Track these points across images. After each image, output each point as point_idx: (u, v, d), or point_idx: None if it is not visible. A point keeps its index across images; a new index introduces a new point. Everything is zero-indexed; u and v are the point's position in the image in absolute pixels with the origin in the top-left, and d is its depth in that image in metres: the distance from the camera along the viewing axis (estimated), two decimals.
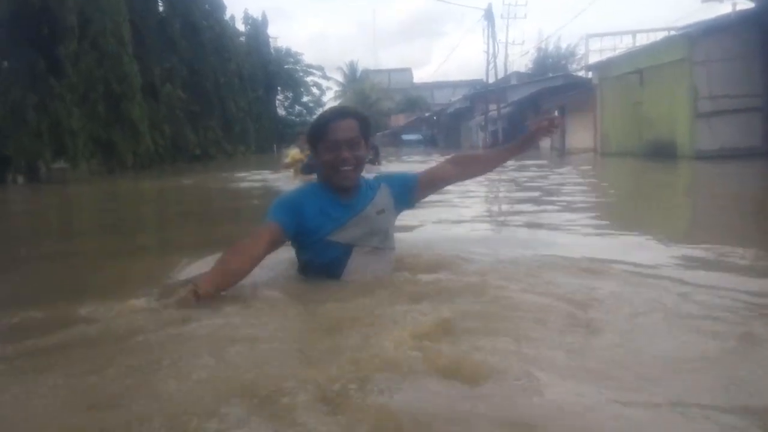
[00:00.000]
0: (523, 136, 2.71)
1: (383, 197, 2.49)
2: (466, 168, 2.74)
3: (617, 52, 27.16)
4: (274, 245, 2.31)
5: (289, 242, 2.44)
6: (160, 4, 28.93)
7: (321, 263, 2.40)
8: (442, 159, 2.97)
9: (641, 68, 15.72)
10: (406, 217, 3.14)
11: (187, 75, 29.55)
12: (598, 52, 43.12)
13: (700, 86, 13.29)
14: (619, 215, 5.65)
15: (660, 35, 30.41)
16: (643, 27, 39.73)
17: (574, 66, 49.62)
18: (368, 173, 2.69)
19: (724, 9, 13.13)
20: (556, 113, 3.25)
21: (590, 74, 24.19)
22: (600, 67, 19.67)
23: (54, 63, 17.08)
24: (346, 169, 2.32)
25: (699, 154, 13.24)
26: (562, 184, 8.81)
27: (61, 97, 16.97)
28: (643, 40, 35.98)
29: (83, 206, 10.55)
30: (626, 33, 47.21)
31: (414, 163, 18.30)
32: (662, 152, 14.60)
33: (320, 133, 2.35)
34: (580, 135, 24.63)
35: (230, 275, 2.19)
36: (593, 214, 5.43)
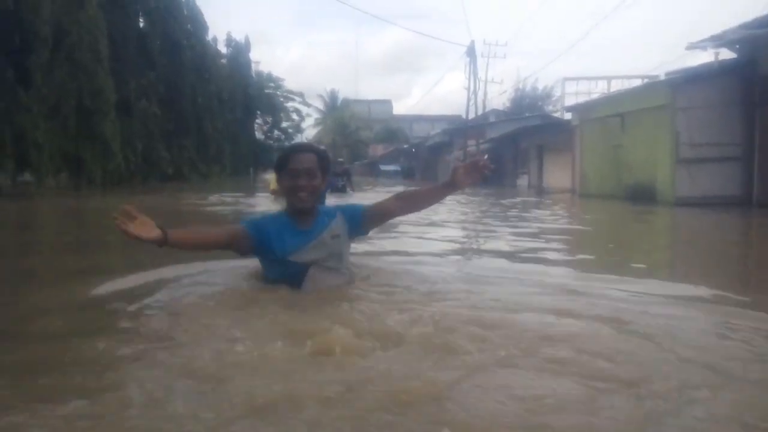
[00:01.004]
0: (450, 177, 2.87)
1: (338, 224, 2.89)
2: (408, 203, 3.05)
3: (592, 96, 27.58)
4: (231, 243, 2.74)
5: (256, 259, 2.95)
6: (140, 20, 28.51)
7: (282, 279, 2.82)
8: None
9: (623, 112, 15.75)
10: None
11: (164, 92, 29.00)
12: (574, 95, 44.07)
13: (682, 133, 13.29)
14: (596, 254, 5.52)
15: (634, 82, 31.04)
16: (618, 74, 40.71)
17: (550, 107, 50.69)
18: (340, 197, 3.99)
19: (707, 57, 13.20)
20: (486, 156, 3.09)
21: (569, 115, 24.37)
22: (580, 109, 19.75)
23: (23, 73, 16.46)
24: (302, 194, 2.74)
25: (679, 200, 13.17)
26: (541, 231, 8.50)
27: (28, 108, 16.31)
28: (617, 85, 36.71)
29: (28, 223, 9.89)
30: (602, 78, 48.44)
31: (390, 193, 17.94)
32: (642, 196, 14.53)
33: (283, 163, 2.80)
34: (558, 174, 24.69)
35: (185, 240, 2.61)
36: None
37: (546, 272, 3.94)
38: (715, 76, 13.00)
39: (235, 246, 2.75)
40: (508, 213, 10.76)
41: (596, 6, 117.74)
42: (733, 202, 12.80)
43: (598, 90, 41.70)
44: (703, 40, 12.15)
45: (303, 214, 2.81)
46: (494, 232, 7.50)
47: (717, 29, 12.37)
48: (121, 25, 24.19)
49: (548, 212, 11.60)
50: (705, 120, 13.14)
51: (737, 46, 12.68)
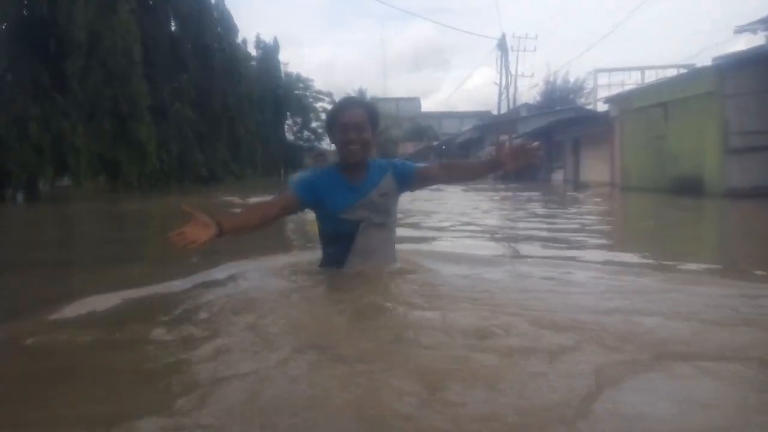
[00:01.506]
0: (495, 155, 2.87)
1: (388, 182, 2.96)
2: (451, 173, 3.14)
3: (626, 87, 26.83)
4: (287, 211, 2.95)
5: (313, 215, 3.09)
6: (172, 24, 28.80)
7: (335, 234, 2.96)
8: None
9: (665, 101, 15.16)
10: None
11: (196, 95, 29.25)
12: (607, 86, 43.18)
13: (731, 121, 12.69)
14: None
15: (669, 72, 30.16)
16: (652, 64, 39.54)
17: (582, 100, 49.63)
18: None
19: (757, 41, 12.56)
20: (536, 143, 2.90)
21: (607, 107, 23.70)
22: (619, 100, 19.14)
23: (59, 78, 16.69)
24: (353, 147, 2.82)
25: (729, 191, 12.56)
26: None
27: (66, 113, 16.52)
28: (652, 76, 35.83)
29: (72, 229, 9.90)
30: (635, 69, 47.23)
31: (425, 193, 17.73)
32: (688, 188, 13.93)
33: (333, 119, 2.91)
34: (596, 168, 24.04)
35: (244, 224, 2.79)
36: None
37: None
38: (764, 61, 12.35)
39: (291, 211, 2.98)
40: (553, 210, 10.38)
41: None
42: None
43: (631, 81, 40.73)
44: (753, 23, 11.57)
45: (354, 168, 2.91)
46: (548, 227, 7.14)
47: (752, 16, 11.77)
48: (153, 29, 24.43)
49: (594, 208, 11.18)
50: (755, 107, 12.51)
51: None
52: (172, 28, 28.66)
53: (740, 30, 11.58)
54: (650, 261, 4.24)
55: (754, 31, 11.92)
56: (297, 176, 3.32)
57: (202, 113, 29.74)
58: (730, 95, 12.68)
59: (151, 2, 24.17)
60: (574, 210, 10.26)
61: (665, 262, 4.17)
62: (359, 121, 2.83)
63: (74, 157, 16.82)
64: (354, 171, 2.91)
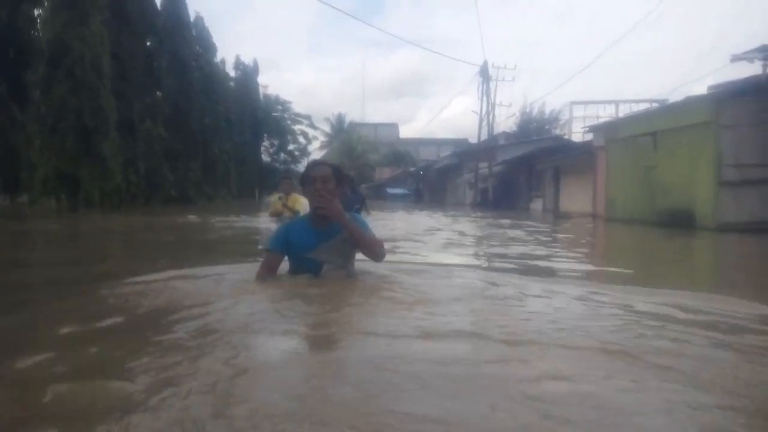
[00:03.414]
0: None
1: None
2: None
3: (600, 120, 26.68)
4: (276, 268, 3.53)
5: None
6: (148, 40, 27.89)
7: (302, 272, 3.47)
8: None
9: (655, 131, 14.72)
10: None
11: (170, 113, 28.28)
12: (582, 118, 43.75)
13: (725, 152, 12.23)
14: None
15: (642, 106, 30.32)
16: (625, 98, 40.56)
17: (558, 131, 50.11)
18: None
19: (745, 71, 12.17)
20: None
21: (589, 136, 23.39)
22: (605, 128, 18.73)
23: (18, 88, 15.62)
24: (320, 197, 3.38)
25: (723, 226, 12.05)
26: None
27: (22, 126, 15.43)
28: (625, 109, 36.33)
29: None
30: (609, 102, 48.09)
31: (400, 215, 17.03)
32: (678, 222, 13.41)
33: (306, 177, 3.53)
34: (576, 198, 23.61)
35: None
36: None
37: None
38: (762, 91, 11.96)
39: (278, 265, 3.52)
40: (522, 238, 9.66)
41: (604, 31, 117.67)
42: None
43: (606, 114, 41.26)
44: (749, 51, 11.17)
45: (322, 218, 3.41)
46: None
47: (725, 55, 11.37)
48: (127, 43, 23.52)
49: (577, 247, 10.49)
50: (752, 138, 12.09)
51: None
52: (148, 44, 27.75)
53: (737, 59, 11.16)
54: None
55: (750, 60, 11.51)
56: (271, 236, 3.62)
57: (176, 131, 28.73)
58: (725, 126, 12.24)
59: (125, 15, 23.25)
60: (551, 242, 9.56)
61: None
62: (325, 175, 3.43)
63: (28, 172, 15.66)
64: (322, 220, 3.43)
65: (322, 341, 2.34)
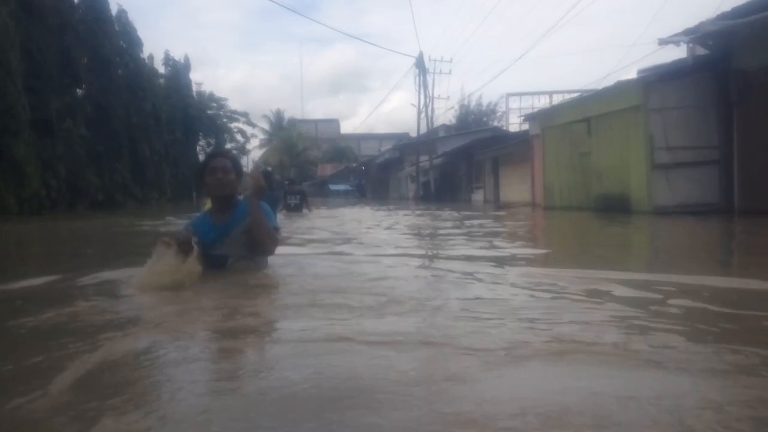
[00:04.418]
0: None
1: (248, 222, 3.54)
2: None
3: (534, 110, 26.96)
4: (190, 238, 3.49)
5: None
6: (65, 34, 26.13)
7: (211, 265, 3.47)
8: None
9: (589, 116, 14.76)
10: None
11: (92, 112, 26.63)
12: (518, 110, 44.56)
13: (656, 136, 12.30)
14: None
15: (575, 96, 30.97)
16: (558, 88, 41.71)
17: (495, 122, 50.95)
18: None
19: (676, 54, 12.27)
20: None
21: (525, 125, 23.51)
22: (541, 116, 18.77)
23: None
24: (218, 184, 3.55)
25: (657, 209, 12.13)
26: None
27: None
28: (559, 99, 37.07)
29: None
30: (543, 93, 49.20)
31: (345, 212, 16.57)
32: (614, 207, 13.48)
33: (204, 167, 3.66)
34: (516, 188, 23.72)
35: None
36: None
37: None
38: (689, 74, 12.06)
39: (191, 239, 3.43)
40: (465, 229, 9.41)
41: (538, 22, 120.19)
42: (714, 209, 11.85)
43: (540, 104, 42.21)
44: (676, 34, 11.20)
45: (222, 207, 3.59)
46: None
47: (652, 42, 11.42)
48: (39, 38, 21.88)
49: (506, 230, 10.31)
50: (680, 121, 12.20)
51: (710, 42, 11.81)
52: (64, 38, 26.00)
53: (664, 42, 11.18)
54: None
55: (677, 44, 11.58)
56: (185, 224, 3.67)
57: (99, 132, 27.09)
58: (655, 109, 12.31)
59: (35, 9, 21.64)
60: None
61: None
62: (225, 166, 3.57)
63: None
64: (221, 211, 3.59)
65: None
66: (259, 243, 3.50)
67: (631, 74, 14.02)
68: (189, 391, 1.57)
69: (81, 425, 1.32)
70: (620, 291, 3.12)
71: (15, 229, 12.47)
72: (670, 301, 2.79)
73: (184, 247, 3.06)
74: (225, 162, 3.59)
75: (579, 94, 24.71)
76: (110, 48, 30.31)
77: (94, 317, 2.58)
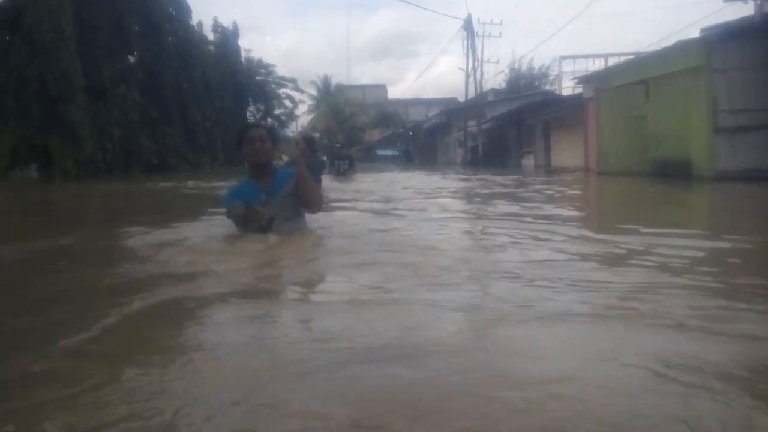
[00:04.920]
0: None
1: (293, 185, 3.78)
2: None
3: (588, 73, 25.77)
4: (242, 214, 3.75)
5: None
6: (116, 1, 26.51)
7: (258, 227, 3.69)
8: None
9: (646, 78, 14.00)
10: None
11: (144, 78, 27.10)
12: (571, 73, 42.73)
13: (720, 98, 11.56)
14: None
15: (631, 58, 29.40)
16: (614, 51, 39.54)
17: (548, 87, 49.16)
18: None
19: (747, 11, 11.41)
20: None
21: (579, 89, 22.60)
22: (595, 79, 17.97)
23: None
24: (256, 153, 3.75)
25: (720, 174, 11.47)
26: None
27: None
28: (614, 63, 35.30)
29: None
30: (598, 56, 46.95)
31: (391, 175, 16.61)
32: (672, 172, 12.83)
33: (241, 138, 3.83)
34: (568, 152, 22.97)
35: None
36: None
37: None
38: (756, 32, 11.21)
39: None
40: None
41: None
42: None
43: (594, 68, 40.29)
44: None
45: (262, 174, 3.80)
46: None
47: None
48: (92, 6, 22.27)
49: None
50: (746, 82, 11.40)
51: None
52: (116, 5, 26.37)
53: None
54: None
55: (745, 1, 10.73)
56: (224, 196, 3.85)
57: (151, 98, 27.61)
58: (717, 70, 11.53)
59: None
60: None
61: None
62: (261, 135, 3.77)
63: None
64: (261, 176, 3.77)
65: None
66: (306, 200, 3.76)
67: (694, 35, 13.16)
68: (250, 337, 1.86)
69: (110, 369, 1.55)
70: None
71: (75, 190, 12.91)
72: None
73: (258, 224, 3.50)
74: (261, 131, 3.81)
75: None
76: (160, 15, 30.62)
77: (152, 271, 2.95)
